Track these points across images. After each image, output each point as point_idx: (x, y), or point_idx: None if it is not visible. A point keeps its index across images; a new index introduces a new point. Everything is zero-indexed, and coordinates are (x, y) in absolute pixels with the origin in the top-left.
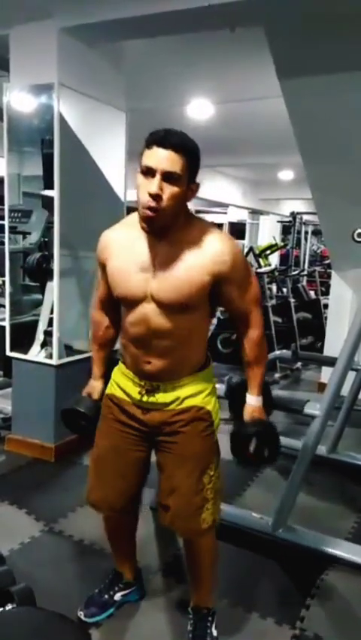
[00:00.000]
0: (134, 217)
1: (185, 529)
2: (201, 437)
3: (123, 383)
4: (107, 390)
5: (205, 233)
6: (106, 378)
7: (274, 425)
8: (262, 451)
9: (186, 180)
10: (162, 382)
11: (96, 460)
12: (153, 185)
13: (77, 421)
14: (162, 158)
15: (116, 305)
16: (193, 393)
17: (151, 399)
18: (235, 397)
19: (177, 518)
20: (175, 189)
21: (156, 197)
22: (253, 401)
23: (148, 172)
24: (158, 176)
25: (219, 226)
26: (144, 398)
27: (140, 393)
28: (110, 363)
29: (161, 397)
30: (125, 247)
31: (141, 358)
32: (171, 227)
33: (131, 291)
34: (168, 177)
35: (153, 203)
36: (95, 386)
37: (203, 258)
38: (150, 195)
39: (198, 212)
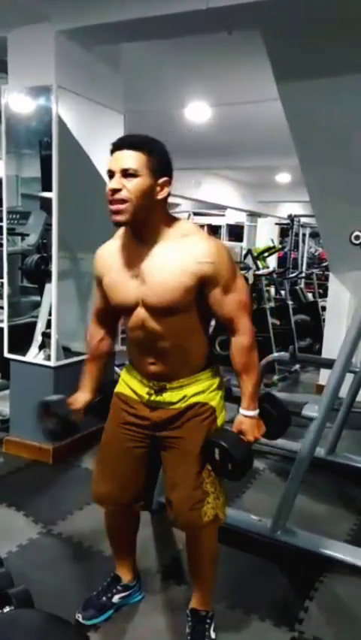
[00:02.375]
0: (126, 230)
1: (186, 522)
2: (202, 433)
3: (131, 382)
4: (116, 389)
5: (189, 235)
6: (97, 392)
7: (247, 443)
8: (226, 464)
9: (148, 175)
10: (169, 382)
11: (102, 456)
12: (113, 182)
13: (44, 419)
14: (118, 158)
15: (111, 317)
16: (199, 391)
17: (159, 398)
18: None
19: (179, 512)
20: (135, 182)
21: (115, 191)
22: (243, 412)
23: (110, 175)
24: (117, 175)
25: (218, 228)
26: (152, 397)
27: (148, 393)
28: (107, 383)
29: (168, 397)
30: (117, 260)
31: (145, 360)
32: (149, 224)
33: (125, 300)
34: (126, 173)
35: (114, 197)
36: (77, 396)
37: (186, 261)
38: (111, 191)
39: (196, 214)
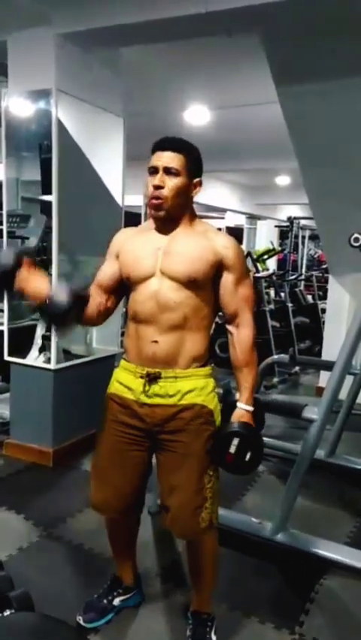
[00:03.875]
0: (148, 222)
1: (184, 530)
2: (203, 436)
3: (125, 378)
4: (108, 390)
5: (211, 231)
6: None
7: (259, 432)
8: (243, 454)
9: (186, 175)
10: (164, 369)
11: (97, 463)
12: (156, 178)
13: None
14: (162, 157)
15: (106, 293)
16: (194, 389)
17: (154, 388)
18: (227, 413)
19: (177, 518)
20: (176, 181)
21: (158, 187)
22: (243, 406)
23: (153, 171)
24: (160, 172)
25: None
26: (146, 387)
27: (142, 379)
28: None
29: (163, 387)
30: (138, 240)
31: (148, 337)
32: (177, 219)
33: (142, 268)
34: (168, 172)
35: (156, 192)
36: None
37: (210, 244)
38: (154, 187)
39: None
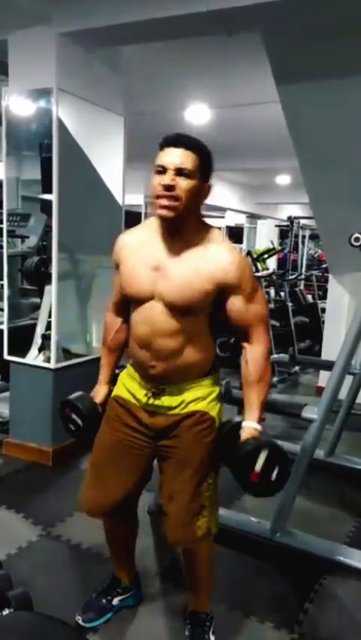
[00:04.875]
0: (152, 220)
1: (179, 537)
2: (203, 443)
3: (130, 385)
4: (114, 392)
5: (217, 243)
6: (112, 384)
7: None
8: (271, 470)
9: (198, 177)
10: (168, 386)
11: (93, 461)
12: (166, 178)
13: (70, 418)
14: (174, 155)
15: (128, 308)
16: (198, 397)
17: (157, 402)
18: (224, 442)
19: (174, 524)
20: (188, 182)
21: (169, 187)
22: (253, 425)
23: (161, 170)
24: (170, 172)
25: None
26: (150, 401)
27: (146, 395)
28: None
29: (167, 401)
30: (138, 249)
31: (146, 362)
32: (185, 224)
33: (141, 289)
34: (180, 172)
35: (167, 193)
36: (98, 390)
37: (211, 266)
38: (164, 187)
39: None
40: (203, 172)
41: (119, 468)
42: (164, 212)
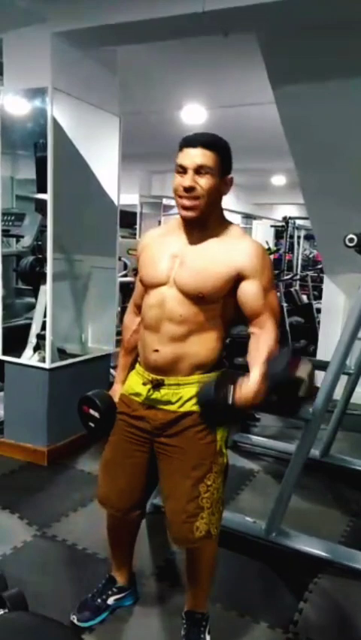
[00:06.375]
0: (176, 220)
1: (177, 537)
2: (201, 444)
3: (134, 381)
4: (122, 391)
5: (238, 236)
6: None
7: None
8: (295, 395)
9: (218, 173)
10: (166, 377)
11: (106, 458)
12: (187, 179)
13: (89, 414)
14: (192, 155)
15: None
16: (195, 395)
17: (156, 395)
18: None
19: (171, 524)
20: (208, 181)
21: (189, 189)
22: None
23: (182, 170)
24: (190, 172)
25: None
26: (150, 393)
27: (145, 384)
28: None
29: (165, 395)
30: (160, 242)
31: (150, 345)
32: (207, 220)
33: (157, 274)
34: (199, 171)
35: (188, 194)
36: (116, 389)
37: (231, 257)
38: (185, 189)
39: None
40: (223, 168)
41: (125, 466)
42: (186, 213)
